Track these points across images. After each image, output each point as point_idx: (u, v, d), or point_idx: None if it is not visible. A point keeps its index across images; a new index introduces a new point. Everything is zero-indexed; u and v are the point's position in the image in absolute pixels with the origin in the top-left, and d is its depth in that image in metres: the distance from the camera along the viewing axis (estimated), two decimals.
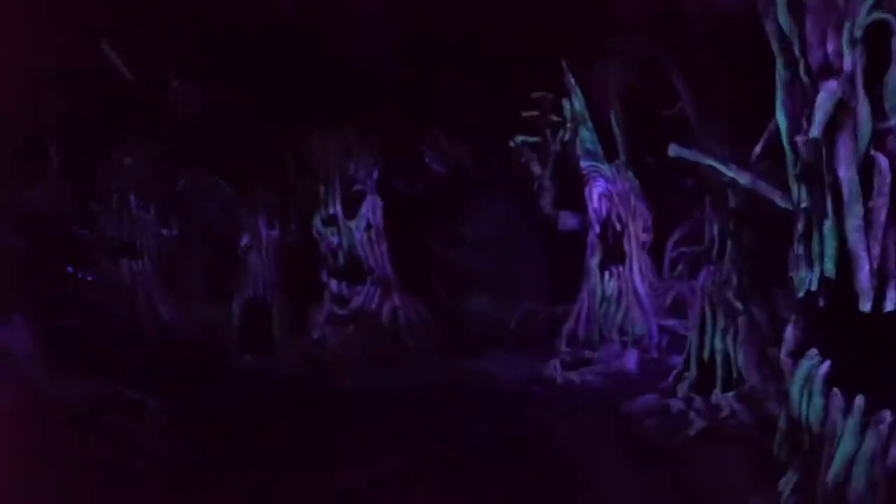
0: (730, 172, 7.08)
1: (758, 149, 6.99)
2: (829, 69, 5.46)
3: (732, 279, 8.30)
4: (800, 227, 5.86)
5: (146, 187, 15.29)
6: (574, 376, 11.95)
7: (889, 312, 5.22)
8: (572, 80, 12.10)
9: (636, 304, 12.57)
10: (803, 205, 5.63)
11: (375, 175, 14.20)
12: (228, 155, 14.55)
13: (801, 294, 5.60)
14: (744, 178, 6.93)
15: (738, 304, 8.23)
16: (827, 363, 5.46)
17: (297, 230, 15.33)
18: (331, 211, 14.28)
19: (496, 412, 10.67)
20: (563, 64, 11.98)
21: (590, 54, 11.50)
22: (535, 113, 12.44)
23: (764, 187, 6.56)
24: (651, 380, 10.55)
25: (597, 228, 12.76)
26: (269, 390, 12.67)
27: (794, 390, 5.62)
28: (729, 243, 8.32)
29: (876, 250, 5.23)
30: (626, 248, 12.66)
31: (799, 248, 5.75)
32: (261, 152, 14.68)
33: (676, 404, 8.29)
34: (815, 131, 5.43)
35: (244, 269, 15.62)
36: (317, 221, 14.59)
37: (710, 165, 7.27)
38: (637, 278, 12.65)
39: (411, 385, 12.12)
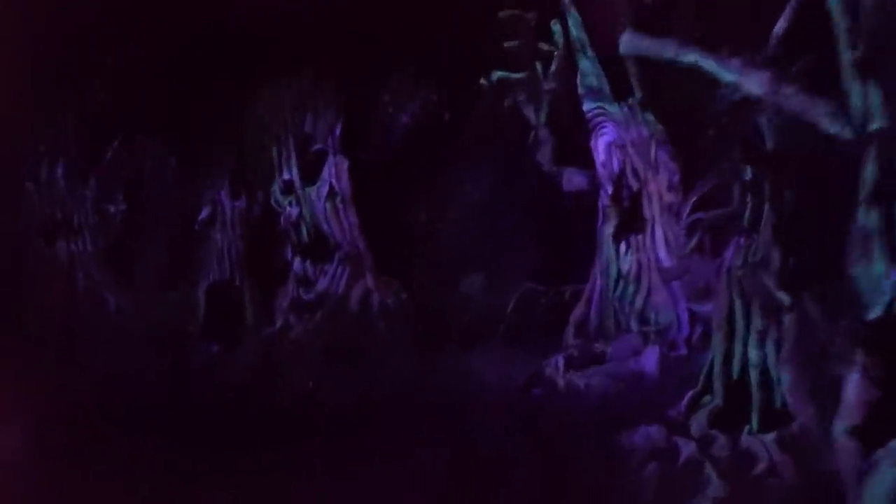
0: (727, 73, 4.27)
1: (779, 27, 4.14)
2: None
3: (773, 258, 5.51)
4: (869, 173, 3.08)
5: (77, 156, 12.98)
6: (578, 379, 9.49)
7: None
8: None
9: (661, 285, 9.82)
10: (877, 124, 2.84)
11: (338, 131, 11.63)
12: (169, 114, 12.19)
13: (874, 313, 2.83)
14: (753, 83, 4.11)
15: (783, 296, 5.44)
16: None
17: (264, 200, 12.92)
18: (286, 176, 11.83)
19: (470, 430, 8.59)
20: None
21: None
22: (516, 42, 9.62)
23: (794, 98, 3.74)
24: (675, 386, 8.02)
25: (608, 188, 10.03)
26: (222, 394, 10.88)
27: None
28: (767, 205, 5.51)
29: None
30: (647, 212, 9.88)
31: (868, 216, 3.00)
32: (209, 108, 12.25)
33: (687, 448, 5.56)
34: None
35: (206, 247, 13.27)
36: (274, 189, 12.18)
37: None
38: (661, 251, 9.88)
39: (378, 390, 10.05)
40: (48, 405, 9.50)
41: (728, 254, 6.03)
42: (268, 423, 9.69)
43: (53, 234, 13.36)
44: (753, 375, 5.64)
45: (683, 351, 9.22)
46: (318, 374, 11.08)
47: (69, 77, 12.29)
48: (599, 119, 9.76)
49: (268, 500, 7.84)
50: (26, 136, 12.65)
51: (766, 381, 5.53)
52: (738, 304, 5.83)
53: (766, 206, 5.60)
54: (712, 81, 4.78)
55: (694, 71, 4.78)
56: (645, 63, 8.63)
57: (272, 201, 12.28)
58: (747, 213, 5.79)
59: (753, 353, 5.65)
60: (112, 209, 13.66)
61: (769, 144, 5.33)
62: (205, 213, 13.21)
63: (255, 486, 7.89)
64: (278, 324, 12.10)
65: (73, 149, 13.03)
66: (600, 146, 9.83)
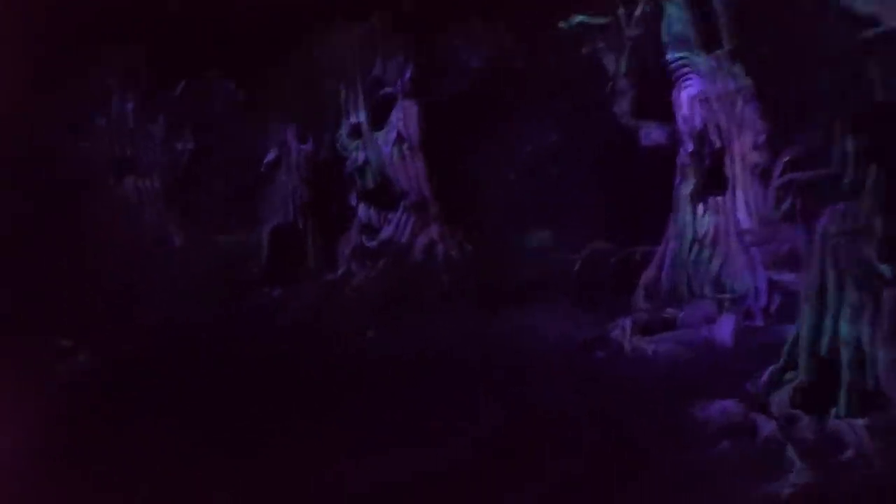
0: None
1: None
2: None
3: (875, 227, 5.00)
4: None
5: (147, 93, 12.85)
6: (646, 344, 9.06)
7: None
8: None
9: (739, 250, 9.30)
10: None
11: (407, 75, 11.22)
12: (239, 52, 11.92)
13: None
14: None
15: (885, 269, 4.93)
16: None
17: (329, 144, 12.64)
18: (354, 120, 11.51)
19: (529, 388, 8.38)
20: None
21: None
22: None
23: None
24: (751, 358, 7.55)
25: (689, 145, 9.49)
26: (281, 338, 10.76)
27: None
28: (873, 167, 4.98)
29: None
30: (729, 171, 9.32)
31: None
32: (279, 48, 11.96)
33: (767, 426, 5.13)
34: None
35: (271, 189, 13.08)
36: (341, 133, 11.89)
37: None
38: (742, 214, 9.33)
39: (437, 342, 9.76)
40: (106, 341, 9.49)
41: (822, 220, 5.51)
42: (325, 370, 9.51)
43: (122, 169, 13.29)
44: (844, 353, 5.15)
45: (760, 321, 8.71)
46: (377, 322, 10.83)
47: (138, 10, 12.09)
48: (684, 70, 9.18)
49: (321, 447, 7.60)
50: (94, 68, 12.52)
51: (859, 361, 5.04)
52: (830, 274, 5.32)
53: (872, 169, 5.07)
54: (833, 18, 4.25)
55: (808, 8, 4.25)
56: (738, 9, 8.01)
57: (338, 145, 11.98)
58: (848, 176, 5.25)
59: (845, 329, 5.16)
60: (180, 147, 13.53)
61: (879, 98, 4.80)
62: (271, 155, 13.01)
63: (308, 432, 7.61)
64: (340, 270, 11.88)
65: (143, 84, 12.87)
66: (683, 99, 9.27)
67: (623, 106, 10.13)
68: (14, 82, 11.26)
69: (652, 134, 10.07)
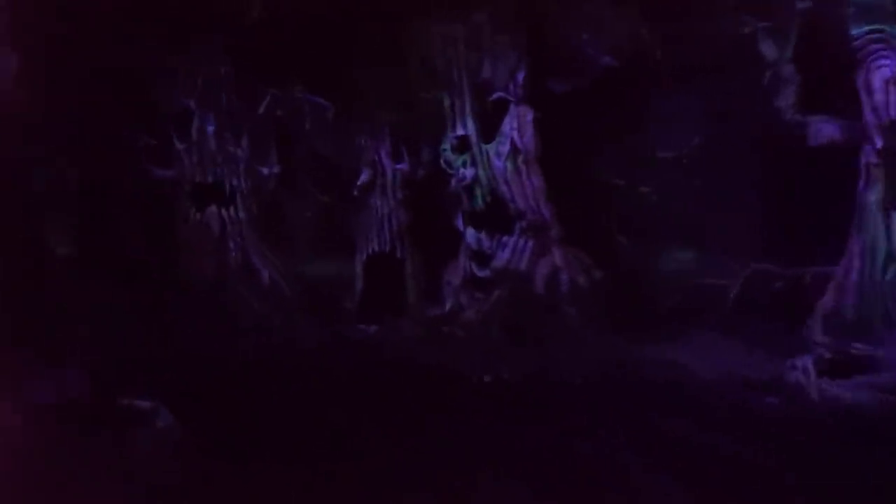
0: None
1: None
2: None
3: None
4: None
5: (230, 110, 11.74)
6: (840, 389, 7.34)
7: None
8: None
9: None
10: None
11: (521, 76, 9.78)
12: (322, 62, 10.74)
13: None
14: None
15: None
16: None
17: (429, 161, 11.32)
18: (460, 131, 10.12)
19: (679, 435, 7.26)
20: None
21: None
22: None
23: None
24: None
25: (877, 141, 7.74)
26: (380, 379, 9.64)
27: None
28: None
29: None
30: None
31: None
32: (369, 53, 10.71)
33: None
34: None
35: (364, 214, 11.83)
36: (445, 147, 10.53)
37: None
38: None
39: (566, 384, 8.74)
40: (188, 396, 8.23)
41: None
42: (433, 417, 8.27)
43: (205, 198, 12.21)
44: None
45: None
46: (493, 364, 9.46)
47: (218, 21, 11.00)
48: (875, 47, 7.45)
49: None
50: (171, 87, 11.47)
51: None
52: None
53: None
54: None
55: None
56: None
57: (441, 162, 10.58)
58: None
59: None
60: (266, 171, 12.39)
61: None
62: (364, 176, 11.76)
63: (419, 485, 6.63)
64: (448, 304, 10.46)
65: (224, 103, 11.77)
66: (875, 83, 7.53)
67: (787, 98, 8.44)
68: (84, 105, 10.32)
69: (825, 130, 8.35)
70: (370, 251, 11.69)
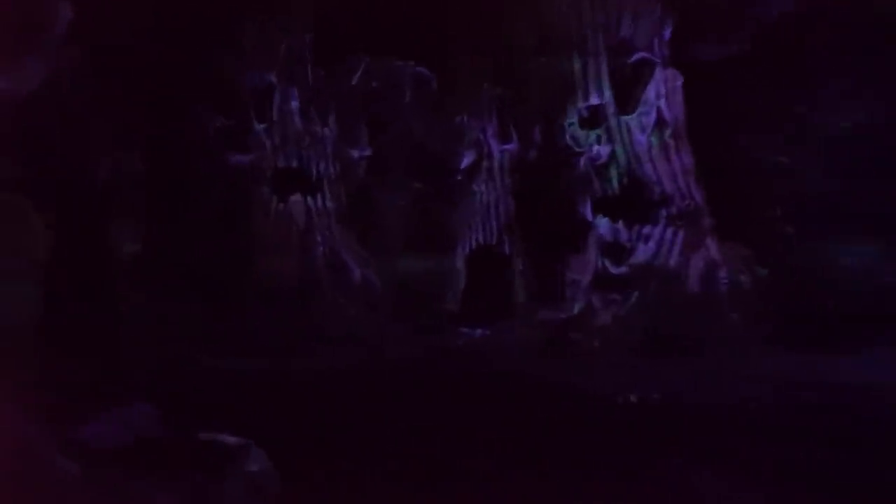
0: None
1: None
2: None
3: None
4: None
5: (316, 84, 10.50)
6: None
7: None
8: None
9: None
10: None
11: (667, 33, 8.35)
12: (419, 30, 9.56)
13: None
14: None
15: None
16: None
17: (543, 140, 10.14)
18: (593, 101, 8.74)
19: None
20: None
21: None
22: None
23: None
24: None
25: None
26: (484, 390, 8.53)
27: None
28: None
29: None
30: None
31: None
32: (471, 18, 9.47)
33: None
34: None
35: (467, 203, 10.83)
36: (572, 121, 9.24)
37: None
38: None
39: (725, 400, 7.61)
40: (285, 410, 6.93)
41: None
42: (554, 439, 6.92)
43: (287, 186, 11.02)
44: None
45: None
46: (638, 379, 8.08)
47: None
48: None
49: None
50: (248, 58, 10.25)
51: None
52: None
53: None
54: None
55: None
56: None
57: (567, 138, 9.19)
58: None
59: None
60: (356, 155, 11.17)
61: None
62: (467, 159, 10.71)
63: None
64: (576, 306, 9.07)
65: (309, 75, 10.53)
66: None
67: None
68: (148, 84, 9.11)
69: None
70: (474, 245, 10.68)
